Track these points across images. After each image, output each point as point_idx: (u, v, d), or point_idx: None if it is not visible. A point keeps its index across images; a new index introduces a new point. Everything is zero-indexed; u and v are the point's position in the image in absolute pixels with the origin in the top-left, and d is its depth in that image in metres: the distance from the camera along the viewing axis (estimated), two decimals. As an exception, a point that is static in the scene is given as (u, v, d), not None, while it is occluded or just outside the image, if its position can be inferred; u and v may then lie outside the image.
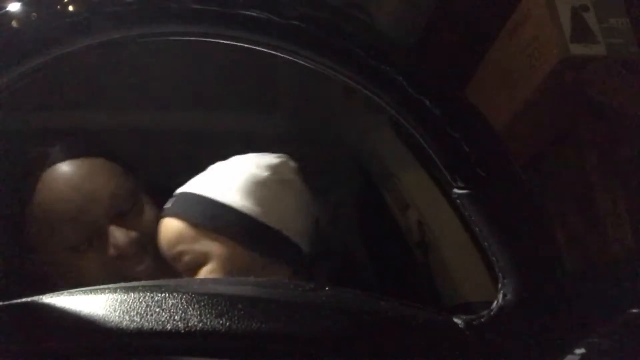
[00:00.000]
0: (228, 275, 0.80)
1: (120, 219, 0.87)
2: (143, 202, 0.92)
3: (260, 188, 0.83)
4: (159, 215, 0.87)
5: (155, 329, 0.45)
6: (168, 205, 0.86)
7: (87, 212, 0.85)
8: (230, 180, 0.84)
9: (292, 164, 0.89)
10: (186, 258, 0.82)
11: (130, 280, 0.59)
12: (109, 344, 0.46)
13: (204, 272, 0.81)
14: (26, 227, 0.88)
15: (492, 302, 0.51)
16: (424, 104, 0.49)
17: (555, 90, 0.83)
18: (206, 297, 0.47)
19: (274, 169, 0.85)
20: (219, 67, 1.17)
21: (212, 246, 0.81)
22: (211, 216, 0.81)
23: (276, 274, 0.82)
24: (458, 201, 0.51)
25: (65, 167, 0.88)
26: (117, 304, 0.47)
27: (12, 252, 0.89)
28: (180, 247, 0.83)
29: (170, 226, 0.84)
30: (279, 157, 0.88)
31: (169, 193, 0.91)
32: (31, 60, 0.48)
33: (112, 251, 0.86)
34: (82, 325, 0.46)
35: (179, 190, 0.87)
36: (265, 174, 0.84)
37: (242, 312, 0.46)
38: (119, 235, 0.85)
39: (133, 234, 0.86)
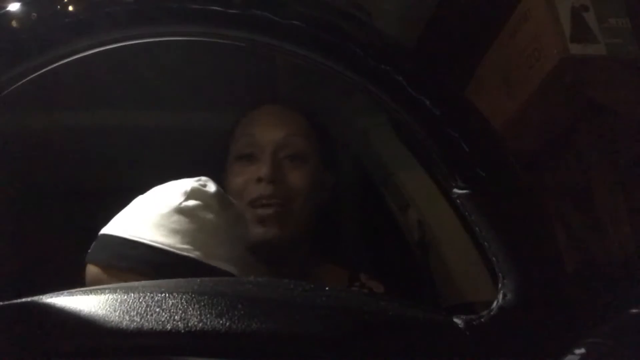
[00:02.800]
0: None
1: (280, 159, 1.06)
2: (308, 167, 1.08)
3: (174, 218, 0.79)
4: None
5: (155, 329, 0.45)
6: (90, 250, 0.84)
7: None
8: (143, 214, 0.81)
9: (208, 188, 0.85)
10: None
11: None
12: (109, 344, 0.46)
13: None
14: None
15: (492, 302, 0.51)
16: (424, 104, 0.49)
17: (555, 90, 0.83)
18: (206, 297, 0.47)
19: (189, 195, 0.82)
20: (219, 67, 1.17)
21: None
22: (121, 256, 0.78)
23: None
24: (458, 201, 0.51)
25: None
26: (117, 304, 0.47)
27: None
28: None
29: (89, 272, 0.82)
30: (197, 181, 0.86)
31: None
32: (31, 60, 0.48)
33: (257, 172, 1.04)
34: (82, 325, 0.46)
35: (101, 231, 0.84)
36: (179, 202, 0.81)
37: (242, 312, 0.46)
38: (267, 164, 1.04)
39: (278, 174, 1.04)
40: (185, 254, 0.77)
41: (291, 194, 1.05)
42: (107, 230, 0.83)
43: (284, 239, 1.04)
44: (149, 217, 0.80)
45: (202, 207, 0.82)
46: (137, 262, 0.77)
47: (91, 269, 0.82)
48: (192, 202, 0.81)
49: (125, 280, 0.73)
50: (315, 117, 1.15)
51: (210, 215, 0.82)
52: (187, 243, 0.78)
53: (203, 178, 0.87)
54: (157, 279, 0.73)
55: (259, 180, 1.04)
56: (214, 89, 1.23)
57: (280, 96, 1.23)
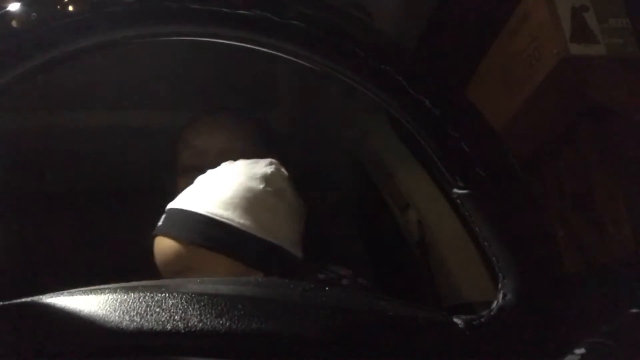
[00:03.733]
0: None
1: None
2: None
3: (254, 201, 0.81)
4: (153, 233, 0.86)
5: (155, 329, 0.45)
6: (161, 222, 0.84)
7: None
8: (222, 194, 0.82)
9: (283, 172, 0.87)
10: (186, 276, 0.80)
11: None
12: (109, 344, 0.46)
13: None
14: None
15: (492, 302, 0.51)
16: (424, 104, 0.49)
17: (555, 90, 0.83)
18: (206, 297, 0.47)
19: (266, 180, 0.84)
20: (219, 67, 1.17)
21: (215, 266, 0.79)
22: (208, 235, 0.79)
23: None
24: (458, 201, 0.51)
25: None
26: (117, 304, 0.47)
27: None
28: (178, 267, 0.81)
29: (167, 245, 0.81)
30: (270, 165, 0.87)
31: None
32: (31, 60, 0.48)
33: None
34: (82, 325, 0.46)
35: (171, 205, 0.85)
36: (259, 186, 0.83)
37: (242, 312, 0.46)
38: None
39: None
40: (269, 238, 0.80)
41: None
42: (181, 205, 0.83)
43: None
44: (229, 198, 0.81)
45: (280, 193, 0.84)
46: (227, 243, 0.79)
47: (170, 244, 0.81)
48: (271, 187, 0.84)
49: (212, 259, 0.78)
50: (256, 121, 1.16)
51: (286, 201, 0.85)
52: (269, 228, 0.81)
53: (274, 161, 0.88)
54: (241, 262, 0.78)
55: None
56: (213, 89, 1.23)
57: (220, 105, 1.21)
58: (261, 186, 0.83)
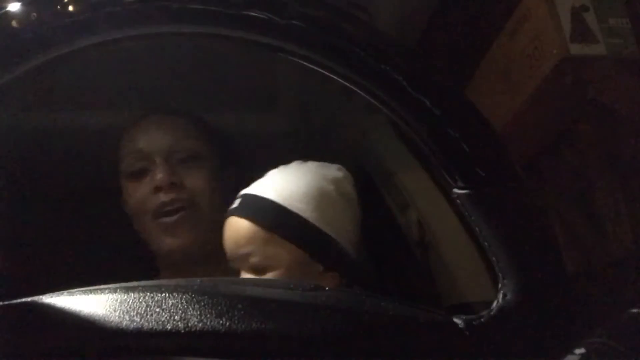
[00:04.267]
0: None
1: (173, 164, 1.03)
2: (205, 168, 1.05)
3: (326, 201, 0.88)
4: (225, 214, 0.90)
5: (155, 329, 0.45)
6: (235, 205, 0.88)
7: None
8: (298, 189, 0.88)
9: (350, 177, 0.93)
10: (254, 260, 0.84)
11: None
12: (109, 344, 0.46)
13: (270, 276, 0.84)
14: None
15: (492, 302, 0.51)
16: (424, 104, 0.49)
17: (555, 90, 0.83)
18: (206, 297, 0.47)
19: (337, 183, 0.90)
20: (219, 66, 1.17)
21: (282, 252, 0.84)
22: (280, 222, 0.85)
23: (330, 284, 0.83)
24: (458, 201, 0.51)
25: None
26: (117, 304, 0.47)
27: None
28: (249, 249, 0.85)
29: (241, 226, 0.86)
30: (339, 170, 0.93)
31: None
32: (31, 60, 0.48)
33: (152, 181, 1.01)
34: (82, 325, 0.46)
35: (245, 191, 0.90)
36: (330, 187, 0.89)
37: (242, 312, 0.46)
38: (161, 171, 1.01)
39: (174, 178, 1.00)
40: (335, 237, 0.86)
41: (194, 196, 1.02)
42: (258, 192, 0.88)
43: (197, 244, 1.01)
44: (304, 194, 0.87)
45: (347, 196, 0.91)
46: (299, 234, 0.85)
47: (245, 225, 0.86)
48: (340, 190, 0.90)
49: (283, 247, 0.84)
50: (201, 120, 1.13)
51: (351, 205, 0.91)
52: (336, 227, 0.87)
53: (342, 167, 0.94)
54: (309, 254, 0.84)
55: (157, 189, 1.01)
56: (214, 88, 1.23)
57: (162, 105, 1.17)
58: (331, 187, 0.89)
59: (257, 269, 0.85)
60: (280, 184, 0.89)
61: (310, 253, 0.85)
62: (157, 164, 1.02)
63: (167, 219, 1.01)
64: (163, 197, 1.00)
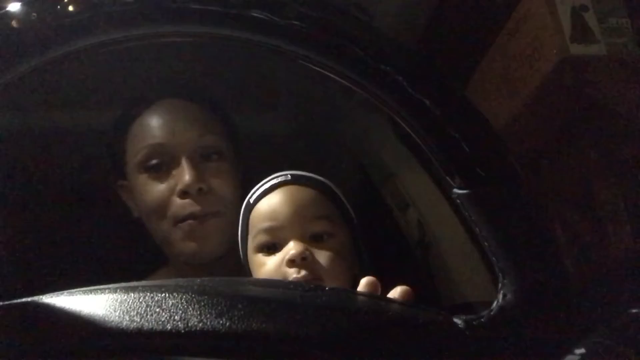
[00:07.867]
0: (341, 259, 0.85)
1: (197, 162, 0.94)
2: (227, 166, 0.98)
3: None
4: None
5: (155, 329, 0.45)
6: (289, 177, 0.88)
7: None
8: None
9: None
10: (316, 228, 0.83)
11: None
12: (109, 344, 0.46)
13: (328, 245, 0.84)
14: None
15: (492, 302, 0.51)
16: (424, 104, 0.49)
17: (555, 90, 0.83)
18: (206, 297, 0.47)
19: None
20: (219, 66, 1.17)
21: (337, 229, 0.86)
22: (343, 205, 0.90)
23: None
24: (458, 201, 0.51)
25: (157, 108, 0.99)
26: (117, 304, 0.47)
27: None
28: (309, 213, 0.84)
29: (309, 195, 0.86)
30: None
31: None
32: (31, 60, 0.48)
33: (176, 182, 0.93)
34: (82, 325, 0.46)
35: (292, 172, 0.89)
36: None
37: (242, 312, 0.46)
38: (188, 172, 0.92)
39: (202, 184, 0.92)
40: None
41: (221, 204, 0.95)
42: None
43: (222, 247, 0.95)
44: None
45: None
46: (347, 212, 0.90)
47: (308, 192, 0.87)
48: None
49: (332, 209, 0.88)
50: (221, 109, 1.04)
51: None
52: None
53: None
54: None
55: (184, 194, 0.92)
56: (214, 88, 1.23)
57: (180, 87, 1.05)
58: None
59: (317, 237, 0.83)
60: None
61: (354, 242, 0.90)
62: (182, 164, 0.93)
63: (193, 225, 0.93)
64: (190, 207, 0.92)
